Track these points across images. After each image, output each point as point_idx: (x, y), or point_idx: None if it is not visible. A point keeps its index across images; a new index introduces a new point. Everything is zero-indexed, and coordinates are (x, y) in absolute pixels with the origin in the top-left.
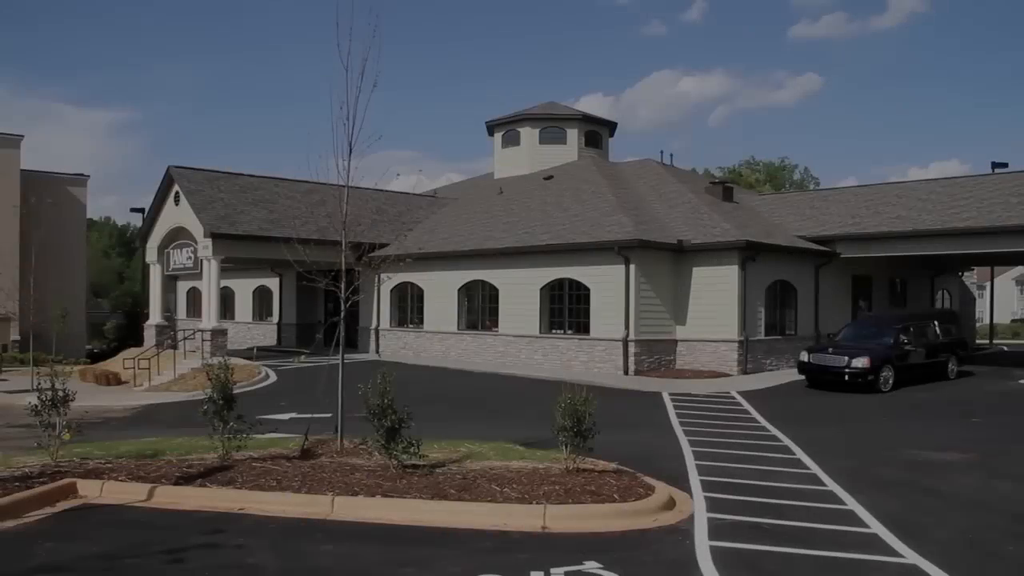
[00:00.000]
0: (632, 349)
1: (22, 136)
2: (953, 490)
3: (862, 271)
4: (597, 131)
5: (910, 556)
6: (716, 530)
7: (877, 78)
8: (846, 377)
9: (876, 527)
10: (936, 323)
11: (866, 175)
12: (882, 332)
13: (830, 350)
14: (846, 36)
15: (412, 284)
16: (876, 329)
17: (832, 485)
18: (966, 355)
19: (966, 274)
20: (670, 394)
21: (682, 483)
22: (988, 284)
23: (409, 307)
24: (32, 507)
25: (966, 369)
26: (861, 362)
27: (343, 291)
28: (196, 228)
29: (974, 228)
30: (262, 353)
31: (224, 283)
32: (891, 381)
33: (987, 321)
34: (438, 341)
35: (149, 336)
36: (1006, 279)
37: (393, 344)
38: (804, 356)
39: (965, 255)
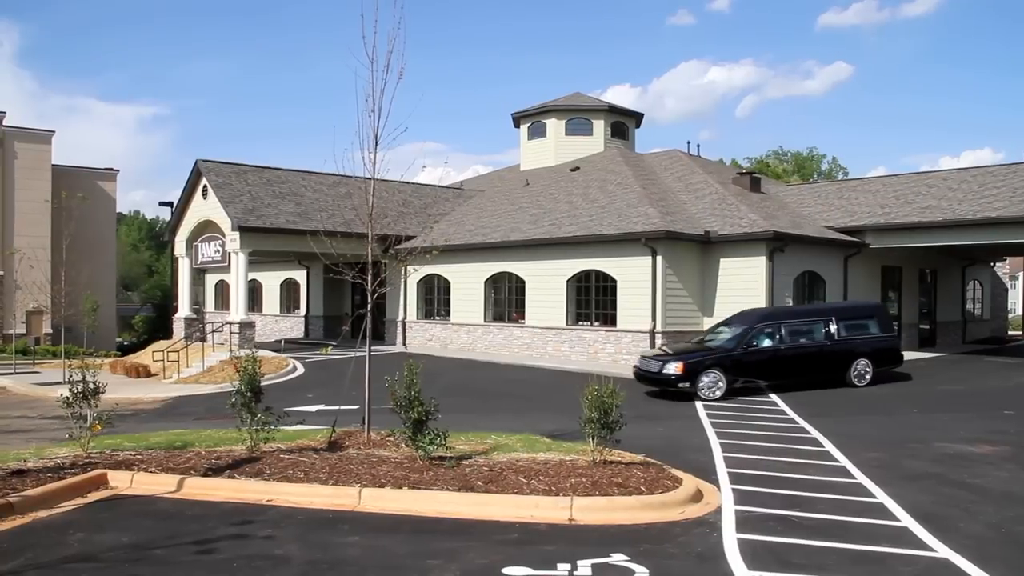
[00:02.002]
0: (659, 341)
1: (53, 132)
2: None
3: (892, 262)
4: (623, 122)
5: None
6: (743, 523)
7: (908, 66)
8: (667, 383)
9: (907, 520)
10: (835, 320)
11: (896, 165)
12: (735, 331)
13: (652, 354)
14: (876, 23)
15: (439, 276)
16: (737, 327)
17: (861, 478)
18: (890, 358)
19: (998, 264)
20: None
21: (709, 475)
22: (1021, 274)
23: (436, 299)
24: (64, 498)
25: (904, 372)
26: (673, 367)
27: (370, 283)
28: (224, 221)
29: (1006, 218)
30: (289, 345)
31: (252, 276)
32: (720, 387)
33: (1020, 312)
34: (465, 333)
35: (178, 329)
36: None
37: (420, 336)
38: (637, 360)
39: (997, 245)
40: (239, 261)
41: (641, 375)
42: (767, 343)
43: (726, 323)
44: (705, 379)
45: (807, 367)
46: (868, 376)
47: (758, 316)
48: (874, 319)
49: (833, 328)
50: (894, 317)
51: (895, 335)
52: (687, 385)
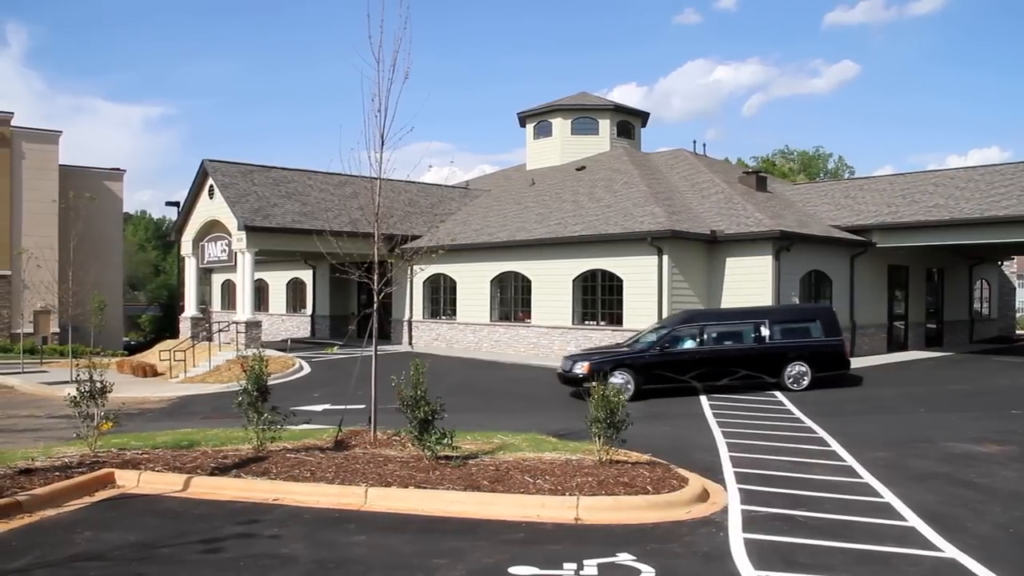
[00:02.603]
0: None
1: (60, 132)
2: None
3: (898, 261)
4: (629, 121)
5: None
6: (750, 522)
7: (915, 65)
8: (576, 382)
9: (914, 520)
10: (768, 323)
11: (903, 164)
12: (658, 332)
13: (571, 353)
14: (883, 22)
15: (445, 276)
16: (662, 329)
17: (868, 478)
18: (833, 363)
19: (1006, 263)
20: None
21: (716, 475)
22: None
23: (442, 299)
24: (71, 496)
25: (856, 375)
26: (580, 367)
27: (376, 283)
28: (230, 221)
29: (1014, 216)
30: (296, 345)
31: (258, 275)
32: (628, 389)
33: None
34: (471, 332)
35: (184, 328)
36: None
37: (426, 336)
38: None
39: (1005, 244)
40: (245, 261)
41: (560, 374)
42: (687, 345)
43: (661, 324)
44: (613, 380)
45: (732, 369)
46: (806, 380)
47: (680, 318)
48: (817, 322)
49: (765, 331)
50: (900, 316)
51: (839, 339)
52: (594, 383)
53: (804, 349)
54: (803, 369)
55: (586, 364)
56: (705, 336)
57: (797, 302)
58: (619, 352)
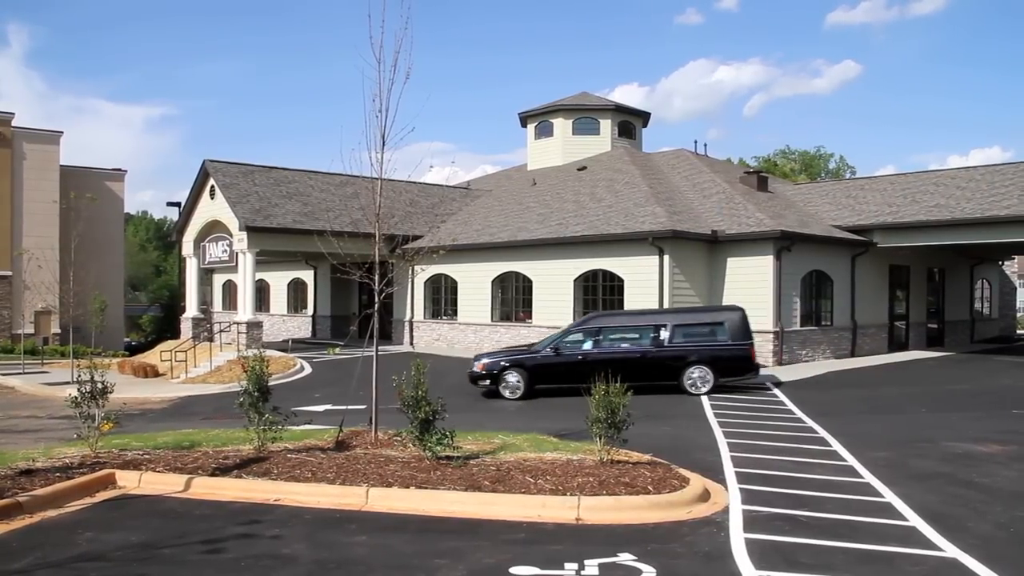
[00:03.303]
0: None
1: (62, 132)
2: None
3: (899, 261)
4: (630, 121)
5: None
6: (751, 522)
7: (916, 65)
8: (476, 380)
9: (915, 520)
10: (669, 326)
11: (904, 164)
12: (555, 335)
13: (478, 353)
14: (885, 22)
15: (446, 276)
16: (566, 330)
17: (869, 477)
18: (738, 368)
19: (1007, 263)
20: None
21: (717, 475)
22: None
23: (443, 299)
24: (72, 497)
25: (756, 383)
26: (477, 365)
27: (377, 283)
28: (231, 221)
29: (1015, 216)
30: (297, 345)
31: (259, 276)
32: (520, 389)
33: None
34: (472, 333)
35: (185, 329)
36: None
37: (427, 336)
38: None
39: (1006, 244)
40: (246, 261)
41: (468, 373)
42: (581, 347)
43: (569, 325)
44: (507, 378)
45: (627, 372)
46: (708, 385)
47: (581, 320)
48: (724, 325)
49: (664, 334)
50: (901, 316)
51: (746, 344)
52: (488, 383)
53: (706, 353)
54: (703, 373)
55: (481, 363)
56: (601, 338)
57: (798, 302)
58: (516, 352)
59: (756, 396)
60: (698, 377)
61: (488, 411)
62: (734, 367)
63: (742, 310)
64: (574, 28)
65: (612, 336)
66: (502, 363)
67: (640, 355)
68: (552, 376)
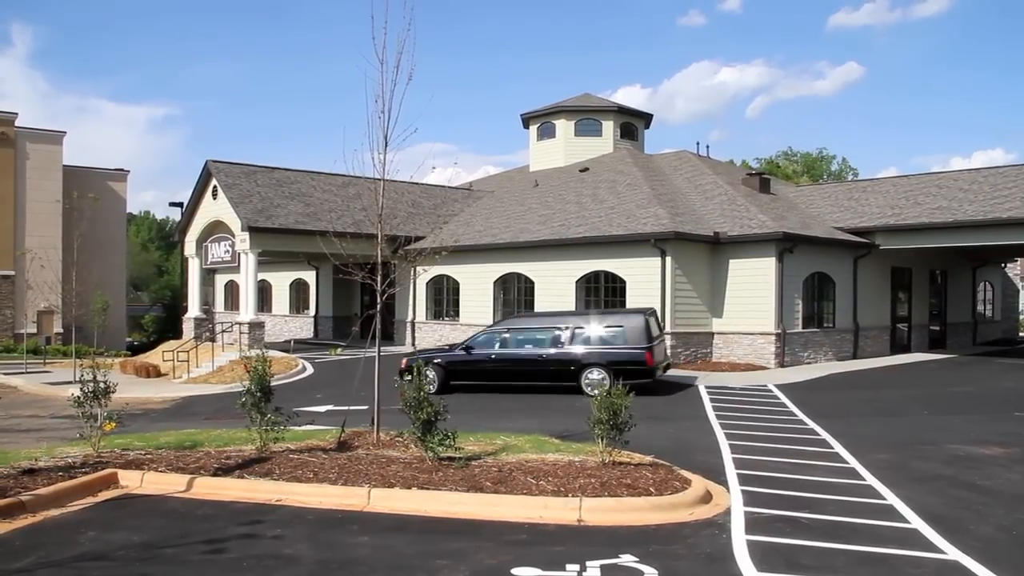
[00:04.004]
0: (668, 342)
1: (64, 132)
2: None
3: (902, 263)
4: (632, 123)
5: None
6: (753, 524)
7: (919, 67)
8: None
9: (917, 522)
10: (571, 329)
11: (907, 166)
12: (476, 334)
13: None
14: (888, 24)
15: (448, 277)
16: (481, 331)
17: (871, 479)
18: (633, 372)
19: (1009, 265)
20: (706, 387)
21: (718, 476)
22: None
23: (445, 300)
24: (75, 497)
25: (666, 380)
26: (402, 363)
27: (379, 284)
28: (234, 222)
29: (1018, 218)
30: (299, 346)
31: (261, 276)
32: (435, 384)
33: None
34: (473, 333)
35: (188, 329)
36: None
37: (429, 337)
38: None
39: (1008, 246)
40: (249, 261)
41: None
42: (489, 348)
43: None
44: (426, 374)
45: (531, 373)
46: (604, 387)
47: (496, 321)
48: (623, 330)
49: (565, 337)
50: (904, 318)
51: (641, 349)
52: (409, 378)
53: (603, 356)
54: (600, 377)
55: (404, 360)
56: (509, 339)
57: (800, 304)
58: (435, 351)
59: (758, 398)
60: (596, 380)
61: (488, 412)
62: (630, 371)
63: (644, 315)
64: (576, 29)
65: (519, 338)
66: (420, 360)
67: (541, 357)
68: (464, 374)
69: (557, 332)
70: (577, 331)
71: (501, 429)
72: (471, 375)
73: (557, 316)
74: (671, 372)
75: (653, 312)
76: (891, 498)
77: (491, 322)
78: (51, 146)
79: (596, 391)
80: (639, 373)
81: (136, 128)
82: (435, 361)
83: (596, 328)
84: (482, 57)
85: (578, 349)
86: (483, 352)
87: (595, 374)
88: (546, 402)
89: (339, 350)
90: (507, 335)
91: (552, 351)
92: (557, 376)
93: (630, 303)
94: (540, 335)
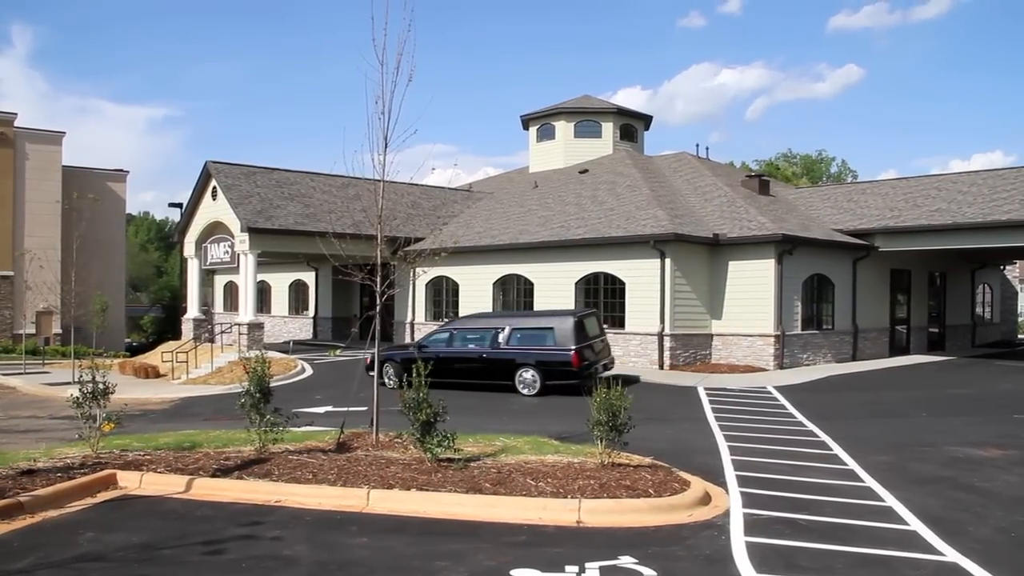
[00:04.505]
0: (667, 343)
1: (64, 133)
2: None
3: (901, 265)
4: (632, 124)
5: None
6: (752, 525)
7: (919, 69)
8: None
9: (916, 524)
10: (508, 329)
11: (906, 168)
12: (429, 334)
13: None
14: (888, 26)
15: (447, 278)
16: (434, 330)
17: (870, 481)
18: (560, 373)
19: (1008, 268)
20: (705, 388)
21: (718, 478)
22: None
23: (444, 301)
24: (73, 497)
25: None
26: (367, 359)
27: (378, 285)
28: (233, 223)
29: (1016, 221)
30: (298, 347)
31: (261, 277)
32: (394, 379)
33: None
34: None
35: (187, 329)
36: None
37: None
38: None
39: (1007, 248)
40: (248, 262)
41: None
42: (440, 347)
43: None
44: (387, 371)
45: (472, 371)
46: (536, 387)
47: (445, 323)
48: (553, 331)
49: (501, 337)
50: (903, 320)
51: (568, 350)
52: (374, 374)
53: (534, 357)
54: (531, 377)
55: (368, 357)
56: (456, 338)
57: (799, 306)
58: (393, 349)
59: (757, 400)
60: (528, 379)
61: (487, 413)
62: (558, 371)
63: (574, 317)
64: (576, 31)
65: (465, 337)
66: (379, 358)
67: (480, 356)
68: (410, 370)
69: (496, 332)
70: (513, 332)
71: (500, 431)
72: (405, 372)
73: (498, 317)
74: (671, 374)
75: (591, 314)
76: (890, 500)
77: None
78: (50, 146)
79: (530, 391)
80: (566, 374)
81: (136, 129)
82: (394, 359)
83: (530, 329)
84: (482, 58)
85: (513, 349)
86: (433, 351)
87: (527, 374)
88: (545, 403)
89: (338, 351)
90: (456, 334)
91: (490, 351)
92: (495, 374)
93: (629, 305)
94: (482, 335)
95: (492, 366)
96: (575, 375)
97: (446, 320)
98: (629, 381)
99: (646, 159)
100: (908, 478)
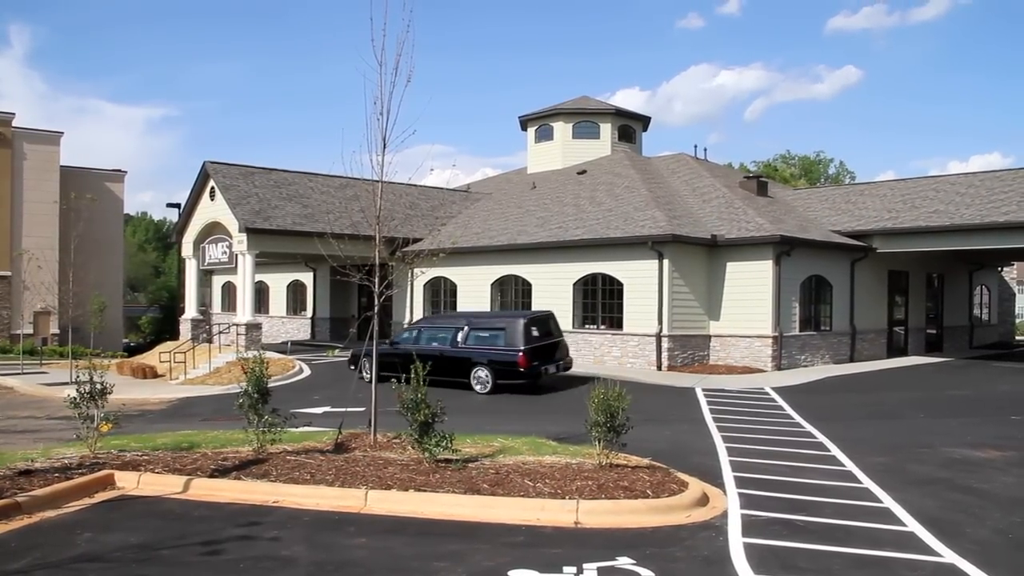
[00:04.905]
0: (665, 344)
1: (62, 133)
2: None
3: (898, 266)
4: (630, 125)
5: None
6: (749, 526)
7: (917, 70)
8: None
9: (913, 525)
10: (466, 329)
11: (904, 169)
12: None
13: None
14: (886, 27)
15: (445, 279)
16: (404, 328)
17: (868, 482)
18: (509, 373)
19: (1006, 269)
20: (703, 389)
21: (715, 479)
22: None
23: (442, 301)
24: (71, 498)
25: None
26: (350, 354)
27: (376, 286)
28: (231, 223)
29: (1014, 223)
30: (296, 347)
31: (258, 277)
32: (367, 372)
33: None
34: None
35: (185, 330)
36: None
37: None
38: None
39: (1005, 250)
40: (246, 263)
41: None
42: (408, 344)
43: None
44: (364, 365)
45: (434, 367)
46: (488, 385)
47: (415, 321)
48: (504, 332)
49: (460, 336)
50: (901, 321)
51: (515, 351)
52: (353, 368)
53: (486, 356)
54: (484, 375)
55: (349, 352)
56: (423, 336)
57: (797, 307)
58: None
59: (754, 401)
60: (482, 377)
61: (487, 414)
62: (507, 371)
63: (525, 319)
64: (575, 31)
65: (430, 335)
66: (356, 352)
67: (441, 354)
68: (390, 366)
69: (456, 331)
70: (471, 332)
71: (498, 431)
72: (392, 367)
73: (461, 317)
74: (669, 375)
75: (546, 316)
76: (887, 501)
77: None
78: (48, 147)
79: (483, 389)
80: (514, 374)
81: (134, 129)
82: (369, 354)
83: (485, 330)
84: (481, 59)
85: (469, 348)
86: (403, 348)
87: (481, 372)
88: (545, 405)
89: (336, 352)
90: (423, 332)
91: (450, 349)
92: (453, 371)
93: (627, 306)
94: (444, 334)
95: (451, 363)
96: (522, 375)
97: (414, 321)
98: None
99: (644, 160)
100: (906, 479)
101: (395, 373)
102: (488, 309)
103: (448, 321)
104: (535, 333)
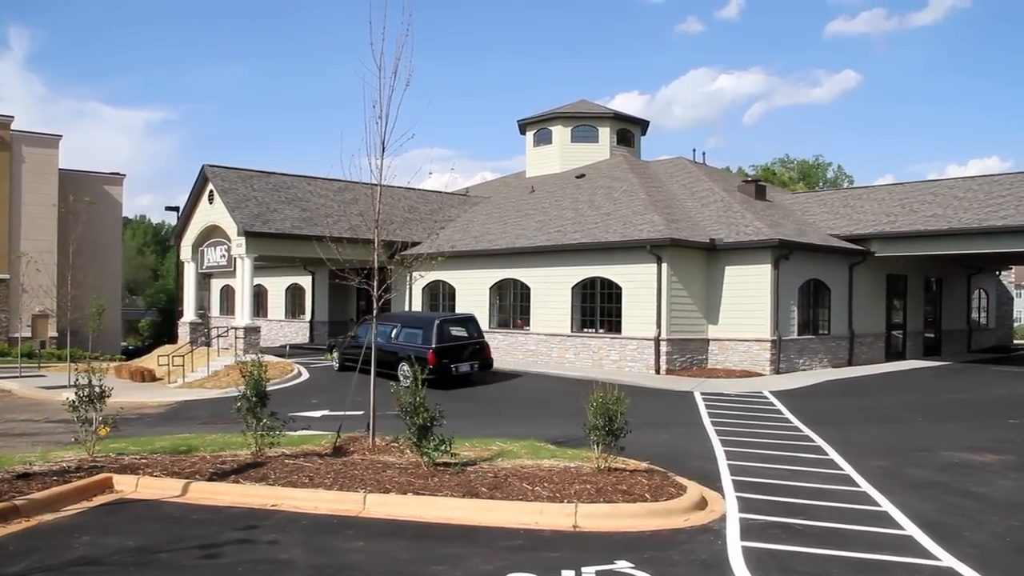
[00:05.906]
0: (664, 348)
1: (60, 136)
2: None
3: (897, 270)
4: (629, 129)
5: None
6: (748, 530)
7: (916, 75)
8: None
9: (911, 529)
10: (400, 327)
11: (902, 173)
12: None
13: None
14: (885, 32)
15: (444, 282)
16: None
17: (866, 486)
18: (423, 368)
19: (1004, 273)
20: (702, 393)
21: (714, 483)
22: None
23: (441, 305)
24: (69, 501)
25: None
26: (328, 343)
27: (375, 289)
28: (230, 226)
29: (1012, 227)
30: (295, 351)
31: (257, 281)
32: (337, 363)
33: None
34: None
35: (183, 333)
36: None
37: None
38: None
39: (1003, 254)
40: (245, 266)
41: None
42: (360, 339)
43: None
44: (335, 355)
45: (379, 360)
46: (410, 379)
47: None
48: (422, 331)
49: (394, 333)
50: (899, 325)
51: (427, 348)
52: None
53: (408, 352)
54: (407, 369)
55: (328, 342)
56: (379, 332)
57: (795, 311)
58: (339, 339)
59: (753, 404)
60: (406, 371)
61: (486, 416)
62: (421, 367)
63: (439, 320)
64: (575, 36)
65: (379, 330)
66: (330, 346)
67: (380, 348)
68: (351, 359)
69: (393, 329)
70: (401, 330)
71: (496, 435)
72: (352, 359)
73: (400, 317)
74: (667, 379)
75: (465, 319)
76: (886, 505)
77: (487, 328)
78: (47, 150)
79: (405, 380)
80: (426, 370)
81: (133, 132)
82: (332, 347)
83: (410, 329)
84: (480, 63)
85: (397, 344)
86: (357, 343)
87: (404, 367)
88: (544, 407)
89: (335, 354)
90: (378, 328)
91: (386, 344)
92: (388, 365)
93: (626, 309)
94: (386, 331)
95: (387, 357)
96: (432, 371)
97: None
98: (625, 386)
99: (643, 164)
100: (904, 483)
101: (355, 364)
102: (487, 313)
103: (391, 320)
104: (449, 333)
